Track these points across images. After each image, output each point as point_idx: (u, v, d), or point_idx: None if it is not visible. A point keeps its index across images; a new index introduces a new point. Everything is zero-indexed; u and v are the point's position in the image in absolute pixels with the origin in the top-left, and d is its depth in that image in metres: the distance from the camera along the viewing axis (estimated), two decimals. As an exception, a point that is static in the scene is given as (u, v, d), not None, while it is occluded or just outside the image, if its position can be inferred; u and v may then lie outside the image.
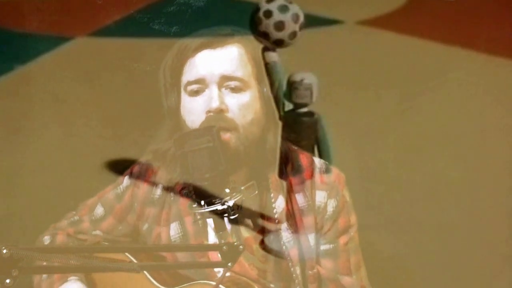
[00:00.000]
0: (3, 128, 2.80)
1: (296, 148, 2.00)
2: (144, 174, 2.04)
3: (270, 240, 1.94)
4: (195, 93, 1.93)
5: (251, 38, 1.94)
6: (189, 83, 1.93)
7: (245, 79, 1.93)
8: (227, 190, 1.80)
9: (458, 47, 2.99)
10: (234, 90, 1.92)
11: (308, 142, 2.02)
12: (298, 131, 1.92)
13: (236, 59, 1.93)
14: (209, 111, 1.89)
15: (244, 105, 1.92)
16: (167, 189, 2.01)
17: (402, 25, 2.99)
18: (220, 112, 1.89)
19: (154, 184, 2.04)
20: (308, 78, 1.86)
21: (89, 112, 2.82)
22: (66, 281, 1.98)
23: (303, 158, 1.99)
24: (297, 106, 1.97)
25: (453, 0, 2.96)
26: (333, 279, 1.94)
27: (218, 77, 1.91)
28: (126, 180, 2.07)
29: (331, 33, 2.57)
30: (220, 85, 1.91)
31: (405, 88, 2.93)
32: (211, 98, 1.90)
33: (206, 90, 1.92)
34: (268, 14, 1.87)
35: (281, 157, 1.93)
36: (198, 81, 1.93)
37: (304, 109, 1.84)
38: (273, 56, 1.84)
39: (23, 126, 2.83)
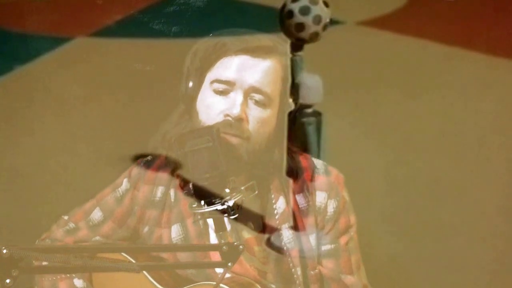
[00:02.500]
0: (3, 127, 2.80)
1: (295, 149, 2.00)
2: (143, 176, 2.03)
3: (271, 241, 1.94)
4: (220, 92, 1.92)
5: (287, 54, 1.93)
6: (218, 81, 1.91)
7: (272, 96, 1.91)
8: (227, 190, 1.79)
9: (458, 47, 2.99)
10: (258, 103, 1.90)
11: (300, 143, 2.02)
12: (290, 130, 1.93)
13: (270, 74, 1.91)
14: (227, 115, 1.88)
15: (263, 120, 1.90)
16: (167, 189, 2.00)
17: (402, 26, 2.99)
18: (238, 120, 1.87)
19: (154, 185, 2.03)
20: (301, 78, 1.86)
21: (89, 112, 2.82)
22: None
23: (303, 159, 1.99)
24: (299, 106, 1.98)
25: (453, 0, 2.96)
26: (336, 279, 1.94)
27: (248, 86, 1.89)
28: (125, 183, 2.05)
29: (331, 33, 2.57)
30: (246, 94, 1.89)
31: (405, 88, 2.93)
32: (234, 103, 1.88)
33: (232, 93, 1.90)
34: (290, 14, 1.87)
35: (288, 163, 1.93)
36: (227, 82, 1.91)
37: (308, 110, 1.84)
38: (300, 52, 1.83)
39: (23, 126, 2.83)
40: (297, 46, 1.79)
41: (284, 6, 1.90)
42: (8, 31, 2.87)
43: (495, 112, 2.94)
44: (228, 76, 1.90)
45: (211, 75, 1.92)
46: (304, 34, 1.86)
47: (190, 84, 1.94)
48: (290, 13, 1.89)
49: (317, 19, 1.90)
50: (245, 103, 1.89)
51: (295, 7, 1.90)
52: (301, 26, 1.89)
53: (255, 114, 1.90)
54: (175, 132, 1.95)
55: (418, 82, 2.93)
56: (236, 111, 1.88)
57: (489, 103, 2.94)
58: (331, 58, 2.51)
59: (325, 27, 1.92)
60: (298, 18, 1.88)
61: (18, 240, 1.60)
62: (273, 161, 1.95)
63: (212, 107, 1.91)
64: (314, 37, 1.88)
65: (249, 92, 1.89)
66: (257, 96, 1.90)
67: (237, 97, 1.89)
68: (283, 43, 1.95)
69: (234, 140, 1.87)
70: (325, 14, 1.91)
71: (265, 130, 1.91)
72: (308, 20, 1.88)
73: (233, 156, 1.86)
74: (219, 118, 1.88)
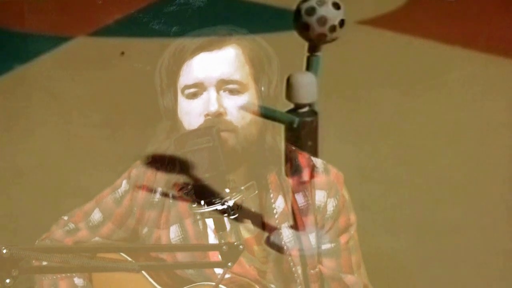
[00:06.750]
0: (2, 127, 2.80)
1: (294, 148, 2.00)
2: (142, 177, 2.03)
3: (271, 240, 1.94)
4: (193, 95, 1.92)
5: (248, 38, 1.94)
6: (187, 86, 1.92)
7: (243, 81, 1.92)
8: (227, 190, 1.79)
9: (458, 47, 3.00)
10: (232, 92, 1.90)
11: (296, 143, 2.02)
12: (287, 131, 1.92)
13: (234, 61, 1.92)
14: (207, 115, 1.89)
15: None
16: (166, 189, 2.00)
17: (402, 25, 3.00)
18: (218, 115, 1.88)
19: (153, 186, 2.03)
20: (294, 77, 1.85)
21: (89, 112, 2.83)
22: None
23: (301, 158, 1.99)
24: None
25: (453, 0, 2.97)
26: (336, 278, 1.94)
27: (216, 80, 1.90)
28: (124, 184, 2.06)
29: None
30: (218, 88, 1.90)
31: (405, 88, 2.93)
32: (209, 101, 1.89)
33: (204, 93, 1.91)
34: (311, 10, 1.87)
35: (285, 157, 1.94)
36: (196, 85, 1.91)
37: (304, 109, 1.84)
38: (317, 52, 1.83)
39: (22, 126, 2.83)
40: (313, 46, 1.78)
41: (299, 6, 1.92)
42: (8, 31, 2.88)
43: (495, 111, 2.95)
44: (194, 79, 1.91)
45: (180, 84, 1.93)
46: (311, 34, 1.85)
47: (166, 99, 1.96)
48: (298, 13, 1.90)
49: (322, 20, 1.90)
50: (219, 97, 1.90)
51: (302, 7, 1.92)
52: (305, 26, 1.89)
53: (234, 103, 1.91)
54: (164, 148, 1.96)
55: (418, 82, 2.94)
56: (213, 107, 1.88)
57: (489, 102, 2.95)
58: (330, 58, 2.51)
59: (333, 29, 1.92)
60: (304, 18, 1.88)
61: (18, 240, 1.61)
62: (268, 145, 1.95)
63: (190, 112, 1.91)
64: (322, 38, 1.87)
65: (219, 85, 1.90)
66: (230, 86, 1.91)
67: (210, 94, 1.90)
68: (238, 29, 1.96)
69: (223, 135, 1.87)
70: (332, 15, 1.91)
71: (250, 116, 1.92)
72: (312, 20, 1.88)
73: (228, 150, 1.86)
74: (200, 120, 1.89)
